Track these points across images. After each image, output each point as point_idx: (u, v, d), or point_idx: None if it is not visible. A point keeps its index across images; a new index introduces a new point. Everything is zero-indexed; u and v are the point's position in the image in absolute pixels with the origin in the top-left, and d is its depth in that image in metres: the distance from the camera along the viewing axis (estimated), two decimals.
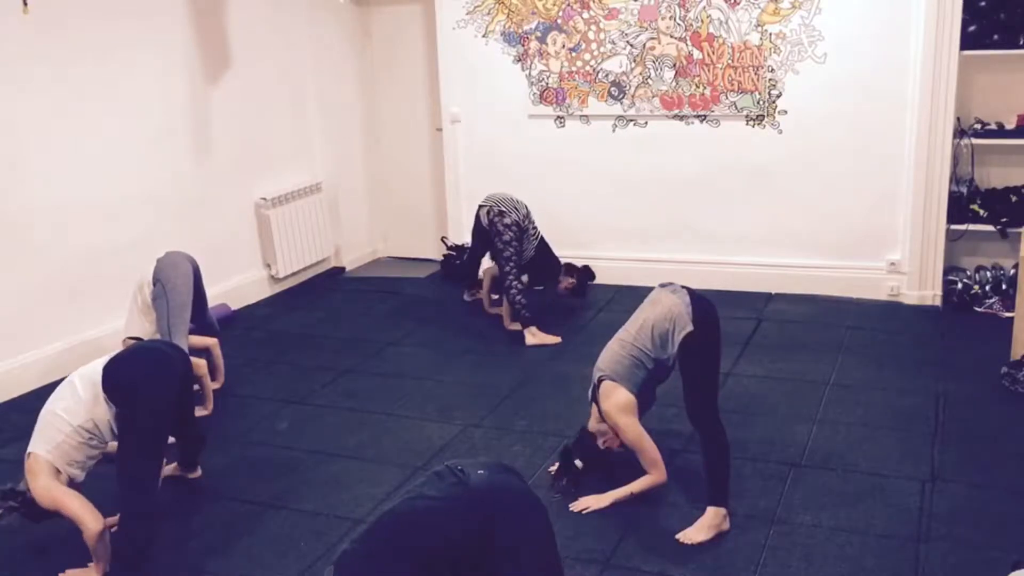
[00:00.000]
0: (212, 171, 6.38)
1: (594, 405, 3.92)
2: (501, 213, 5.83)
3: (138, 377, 3.55)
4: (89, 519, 3.39)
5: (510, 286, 5.79)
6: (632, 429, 3.76)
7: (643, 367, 3.81)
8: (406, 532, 2.49)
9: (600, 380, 3.85)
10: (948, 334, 5.59)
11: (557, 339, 5.69)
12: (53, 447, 3.51)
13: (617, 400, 3.78)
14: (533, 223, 6.00)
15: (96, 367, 3.62)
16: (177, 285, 4.85)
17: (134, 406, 3.49)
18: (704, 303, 3.79)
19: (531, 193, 6.41)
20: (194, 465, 4.13)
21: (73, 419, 3.52)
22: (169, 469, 4.08)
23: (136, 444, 3.48)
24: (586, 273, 6.23)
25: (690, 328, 3.68)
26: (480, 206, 6.02)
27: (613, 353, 3.88)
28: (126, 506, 3.49)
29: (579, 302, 6.30)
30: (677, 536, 3.56)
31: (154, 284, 4.86)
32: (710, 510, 3.59)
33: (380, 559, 2.46)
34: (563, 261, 6.22)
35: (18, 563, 3.62)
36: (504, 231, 5.79)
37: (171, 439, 3.87)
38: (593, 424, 3.95)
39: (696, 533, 3.55)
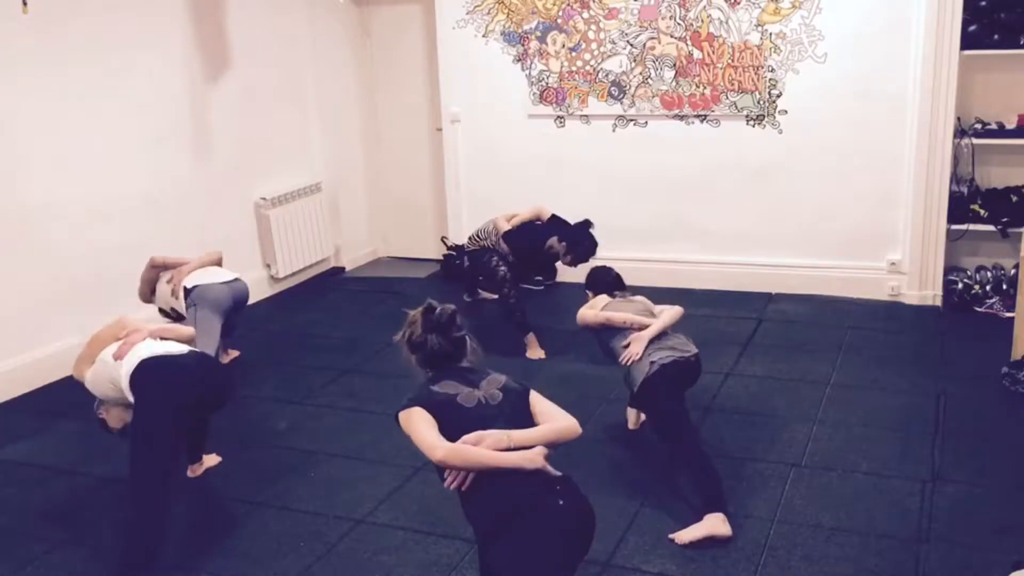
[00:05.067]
0: (212, 171, 6.38)
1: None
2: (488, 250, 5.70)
3: (149, 381, 3.57)
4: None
5: (512, 307, 5.56)
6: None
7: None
8: None
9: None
10: (948, 334, 5.58)
11: (541, 354, 5.52)
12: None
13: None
14: (487, 235, 5.74)
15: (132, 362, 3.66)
16: (208, 298, 4.97)
17: (137, 407, 3.55)
18: (678, 367, 3.96)
19: (531, 193, 6.41)
20: (197, 458, 4.15)
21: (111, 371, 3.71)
22: None
23: (134, 447, 3.51)
24: (578, 234, 5.53)
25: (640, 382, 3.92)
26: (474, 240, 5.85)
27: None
28: (130, 509, 3.49)
29: (581, 300, 6.25)
30: (671, 536, 3.53)
31: (186, 296, 5.00)
32: (708, 516, 3.55)
33: None
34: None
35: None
36: (490, 262, 5.63)
37: None
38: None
39: (688, 534, 3.52)
